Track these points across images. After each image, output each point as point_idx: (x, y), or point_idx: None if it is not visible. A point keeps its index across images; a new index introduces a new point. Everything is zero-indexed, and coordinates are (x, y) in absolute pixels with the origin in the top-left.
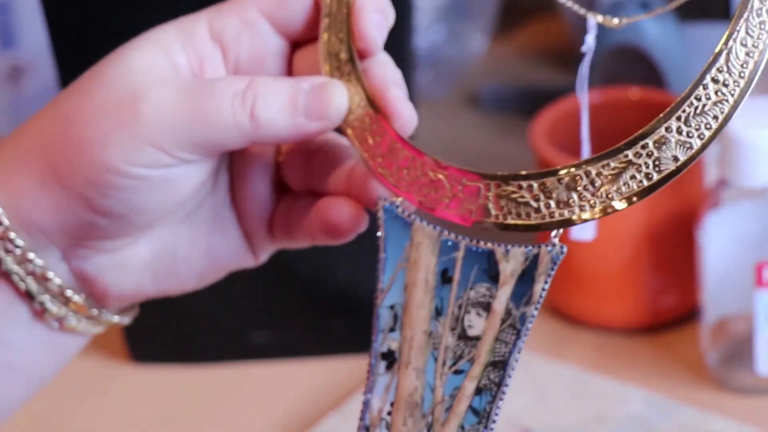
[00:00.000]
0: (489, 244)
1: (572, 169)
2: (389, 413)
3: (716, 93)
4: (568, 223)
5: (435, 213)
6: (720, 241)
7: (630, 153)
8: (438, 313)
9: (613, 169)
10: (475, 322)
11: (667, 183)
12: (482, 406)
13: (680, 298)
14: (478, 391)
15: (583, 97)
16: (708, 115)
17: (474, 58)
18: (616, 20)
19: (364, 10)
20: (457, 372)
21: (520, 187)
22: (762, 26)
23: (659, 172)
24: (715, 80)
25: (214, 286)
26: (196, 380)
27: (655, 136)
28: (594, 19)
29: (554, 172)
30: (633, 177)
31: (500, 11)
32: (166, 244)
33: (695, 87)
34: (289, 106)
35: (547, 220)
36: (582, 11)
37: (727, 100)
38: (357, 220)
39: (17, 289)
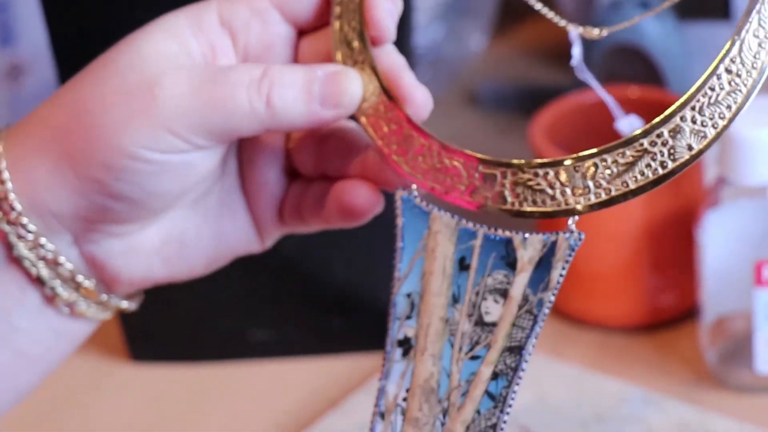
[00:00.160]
0: (507, 232)
1: (588, 157)
2: (404, 399)
3: (729, 83)
4: (583, 210)
5: (447, 198)
6: (719, 240)
7: (645, 142)
8: (455, 300)
9: (629, 157)
10: (492, 309)
11: (682, 171)
12: (498, 390)
13: (679, 297)
14: (495, 376)
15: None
16: (722, 104)
17: (473, 57)
18: (596, 31)
19: None
20: (474, 357)
21: (537, 175)
22: None
23: (674, 160)
24: (728, 70)
25: (213, 285)
26: (195, 379)
27: (670, 125)
28: (575, 31)
29: (570, 160)
30: (648, 165)
31: (499, 10)
32: (176, 228)
33: (709, 77)
34: (304, 94)
35: (563, 207)
36: (563, 23)
37: (740, 90)
38: (374, 202)
39: (29, 274)
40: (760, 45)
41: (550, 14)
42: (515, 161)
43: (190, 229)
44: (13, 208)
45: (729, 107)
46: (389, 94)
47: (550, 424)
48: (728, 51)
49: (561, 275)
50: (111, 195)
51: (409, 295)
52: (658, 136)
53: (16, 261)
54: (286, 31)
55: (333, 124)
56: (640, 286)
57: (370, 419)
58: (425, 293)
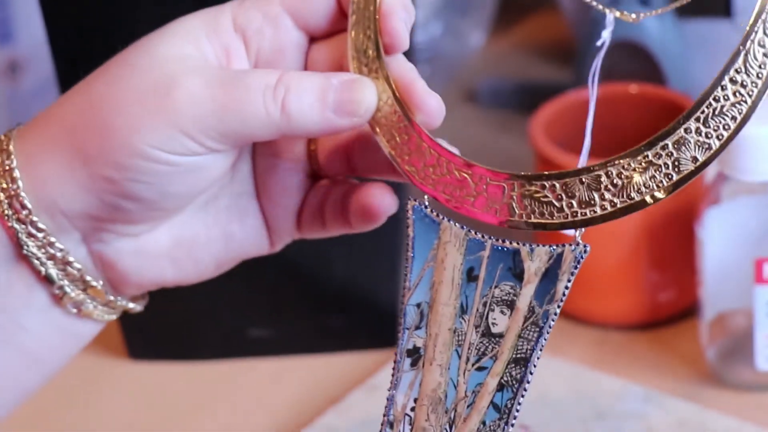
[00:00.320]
0: (515, 243)
1: (594, 170)
2: (412, 409)
3: (734, 94)
4: (590, 222)
5: (461, 211)
6: (719, 237)
7: (650, 154)
8: (463, 310)
9: (634, 169)
10: (499, 320)
11: (687, 183)
12: (504, 402)
13: (679, 294)
14: (500, 387)
15: (593, 90)
16: (726, 116)
17: (472, 54)
18: (633, 15)
19: (394, 7)
20: (480, 369)
21: (543, 187)
22: None
23: (679, 172)
24: (733, 81)
25: (211, 283)
26: (194, 377)
27: (674, 137)
28: (612, 15)
29: (576, 173)
30: (653, 177)
31: (498, 6)
32: (185, 230)
33: (713, 88)
34: (319, 102)
35: (570, 219)
36: (600, 7)
37: (745, 101)
38: (392, 204)
39: (37, 273)
40: (765, 55)
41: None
42: (523, 173)
43: (199, 231)
44: (23, 207)
45: (734, 118)
46: (402, 103)
47: (550, 422)
48: (733, 61)
49: (566, 287)
50: (122, 194)
51: (418, 305)
52: (663, 148)
53: (25, 259)
54: (298, 38)
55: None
56: (640, 284)
57: (379, 429)
58: (434, 303)
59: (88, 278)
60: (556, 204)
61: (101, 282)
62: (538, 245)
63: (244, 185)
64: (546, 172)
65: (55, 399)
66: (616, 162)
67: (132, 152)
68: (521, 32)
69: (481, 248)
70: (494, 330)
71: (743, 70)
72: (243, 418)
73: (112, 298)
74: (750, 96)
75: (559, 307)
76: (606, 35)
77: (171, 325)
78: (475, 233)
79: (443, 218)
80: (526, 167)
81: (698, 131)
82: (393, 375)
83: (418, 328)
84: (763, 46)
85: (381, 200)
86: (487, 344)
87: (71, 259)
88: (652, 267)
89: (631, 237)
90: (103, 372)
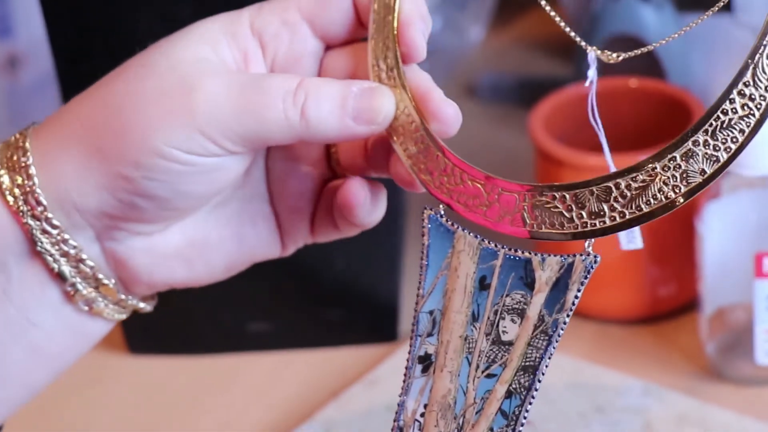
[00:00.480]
0: (526, 253)
1: (603, 181)
2: (422, 415)
3: (743, 107)
4: (599, 233)
5: (474, 220)
6: (719, 231)
7: (658, 166)
8: (474, 318)
9: (642, 181)
10: (510, 328)
11: (694, 196)
12: (511, 409)
13: (679, 289)
14: (509, 394)
15: (599, 129)
16: (734, 129)
17: (472, 48)
18: (614, 55)
19: (412, 17)
20: (490, 376)
21: (554, 198)
22: None
23: (687, 184)
24: (741, 94)
25: None
26: (193, 371)
27: (682, 150)
28: (593, 53)
29: (586, 184)
30: (661, 189)
31: (497, 1)
32: (198, 231)
33: (722, 101)
34: (338, 108)
35: (580, 230)
36: (582, 44)
37: (753, 114)
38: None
39: (50, 270)
40: None
41: (571, 33)
42: (534, 184)
43: (211, 232)
44: (39, 203)
45: (742, 131)
46: (419, 112)
47: (550, 416)
48: (742, 74)
49: (576, 297)
50: (138, 192)
51: (431, 313)
52: (671, 160)
53: (38, 256)
54: (314, 45)
55: None
56: (640, 278)
57: None
58: (447, 311)
59: (101, 276)
60: (566, 214)
61: (113, 280)
62: (549, 255)
63: (257, 189)
64: (557, 183)
65: (55, 393)
66: (626, 174)
67: (150, 151)
68: (521, 27)
69: (493, 257)
70: (504, 338)
71: (752, 83)
72: (242, 412)
73: (123, 296)
74: (758, 109)
75: (568, 316)
76: (591, 74)
77: (170, 320)
78: (489, 242)
79: (458, 227)
80: (525, 162)
81: (706, 144)
82: (404, 381)
83: (430, 335)
84: None
85: (355, 194)
86: (497, 352)
87: (84, 256)
88: (653, 261)
89: None
90: (103, 366)
